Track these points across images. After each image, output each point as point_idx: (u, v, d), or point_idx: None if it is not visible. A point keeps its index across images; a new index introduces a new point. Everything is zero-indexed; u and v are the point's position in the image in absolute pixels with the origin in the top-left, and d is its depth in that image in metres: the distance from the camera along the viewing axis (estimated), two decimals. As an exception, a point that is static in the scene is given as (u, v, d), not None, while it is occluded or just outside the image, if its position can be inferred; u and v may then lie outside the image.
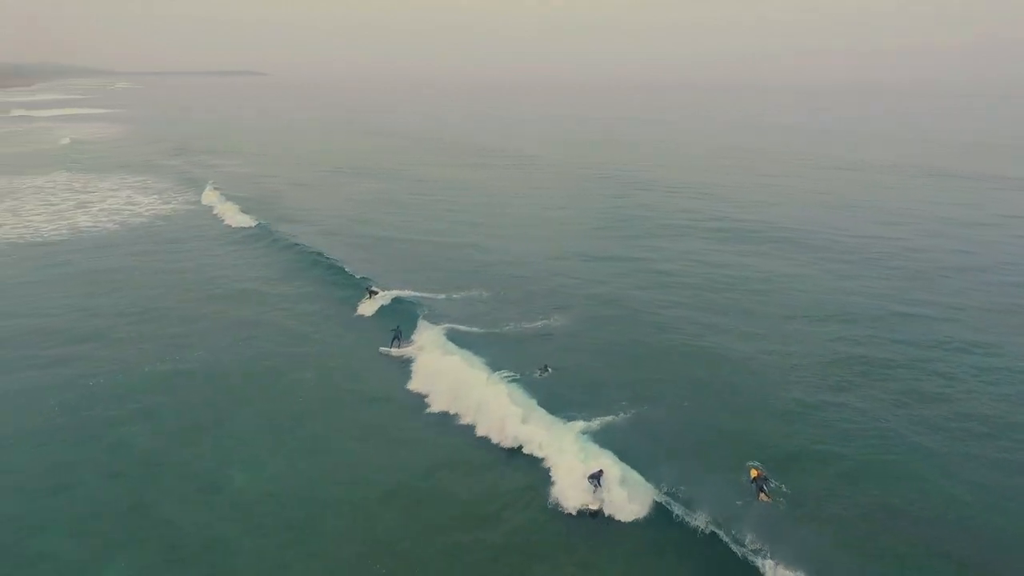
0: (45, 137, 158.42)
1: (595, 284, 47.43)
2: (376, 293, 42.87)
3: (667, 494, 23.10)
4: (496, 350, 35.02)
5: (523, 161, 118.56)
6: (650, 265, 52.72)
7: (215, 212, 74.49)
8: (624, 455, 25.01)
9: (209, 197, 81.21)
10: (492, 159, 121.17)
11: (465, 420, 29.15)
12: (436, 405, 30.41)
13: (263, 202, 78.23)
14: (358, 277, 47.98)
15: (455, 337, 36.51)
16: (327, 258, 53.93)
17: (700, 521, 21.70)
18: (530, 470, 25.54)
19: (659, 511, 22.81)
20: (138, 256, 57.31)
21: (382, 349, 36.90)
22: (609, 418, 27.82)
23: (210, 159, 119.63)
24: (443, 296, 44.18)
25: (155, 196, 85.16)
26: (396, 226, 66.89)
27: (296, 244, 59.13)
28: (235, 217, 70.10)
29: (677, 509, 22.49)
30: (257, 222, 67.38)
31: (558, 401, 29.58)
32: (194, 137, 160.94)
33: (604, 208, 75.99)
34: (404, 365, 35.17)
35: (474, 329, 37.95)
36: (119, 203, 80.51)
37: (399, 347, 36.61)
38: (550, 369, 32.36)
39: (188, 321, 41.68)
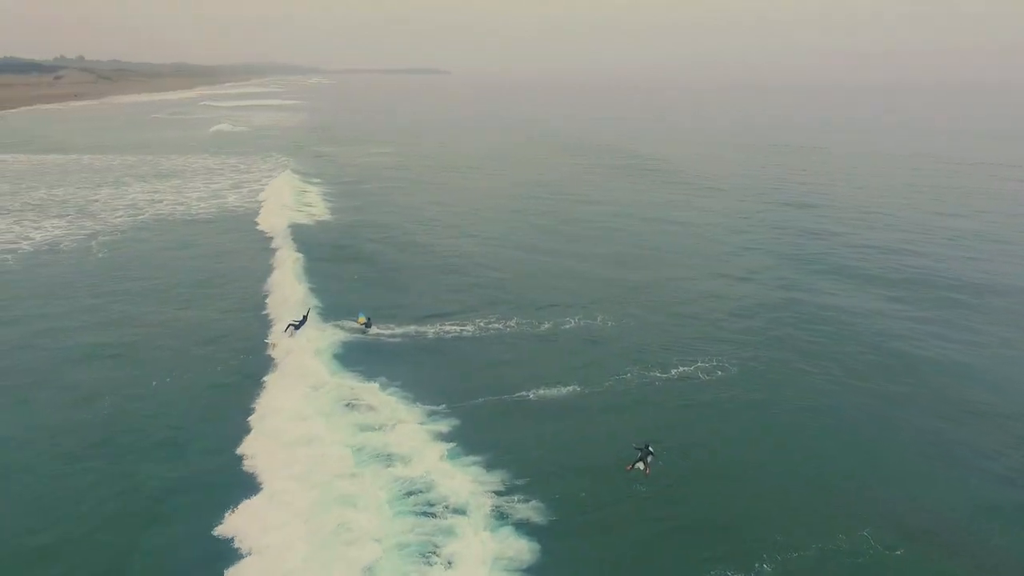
0: (224, 123, 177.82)
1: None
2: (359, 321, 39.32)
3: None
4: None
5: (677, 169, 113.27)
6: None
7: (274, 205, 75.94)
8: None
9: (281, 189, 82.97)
10: (641, 163, 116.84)
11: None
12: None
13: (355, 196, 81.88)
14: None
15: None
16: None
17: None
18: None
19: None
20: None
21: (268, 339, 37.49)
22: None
23: (349, 150, 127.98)
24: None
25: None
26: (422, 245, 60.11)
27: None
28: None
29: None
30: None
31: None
32: (349, 126, 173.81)
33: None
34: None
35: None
36: (261, 187, 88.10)
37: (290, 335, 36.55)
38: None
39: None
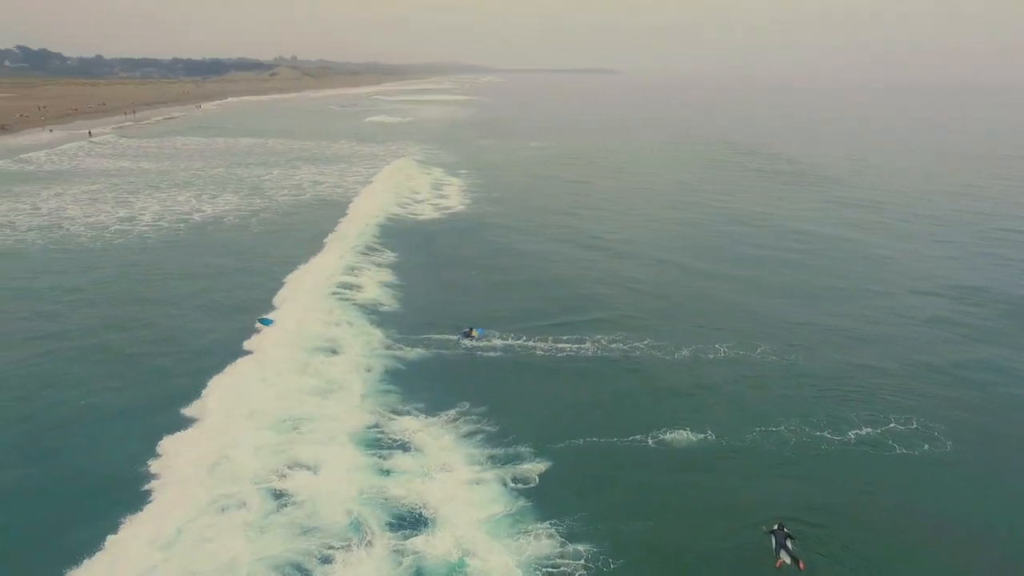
0: (382, 115, 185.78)
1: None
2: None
3: None
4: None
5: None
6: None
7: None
8: None
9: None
10: (820, 173, 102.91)
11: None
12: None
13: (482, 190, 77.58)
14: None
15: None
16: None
17: None
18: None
19: None
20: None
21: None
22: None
23: (508, 143, 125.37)
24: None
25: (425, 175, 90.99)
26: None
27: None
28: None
29: None
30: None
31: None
32: (510, 121, 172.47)
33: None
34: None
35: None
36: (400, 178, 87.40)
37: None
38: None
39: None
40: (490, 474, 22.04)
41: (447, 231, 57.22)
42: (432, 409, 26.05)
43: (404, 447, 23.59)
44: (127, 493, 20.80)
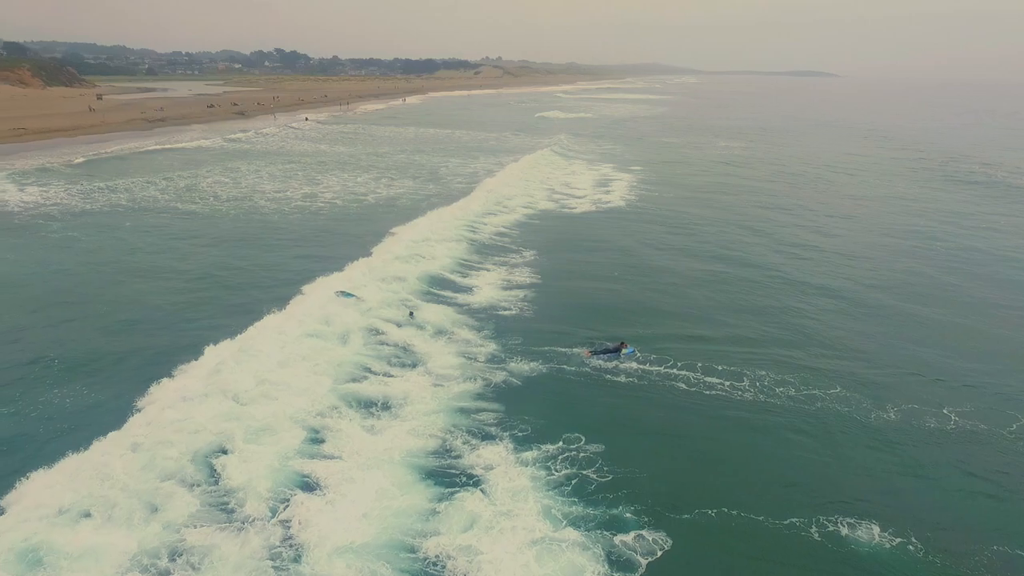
0: (555, 110, 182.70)
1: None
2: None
3: None
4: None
5: None
6: None
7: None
8: None
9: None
10: None
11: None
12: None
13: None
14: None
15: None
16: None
17: None
18: None
19: None
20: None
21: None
22: None
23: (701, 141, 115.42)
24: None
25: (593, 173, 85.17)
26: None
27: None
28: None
29: None
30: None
31: None
32: (700, 121, 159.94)
33: None
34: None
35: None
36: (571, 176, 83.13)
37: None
38: None
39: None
40: (575, 538, 16.54)
41: (599, 229, 51.43)
42: (527, 439, 21.04)
43: (470, 481, 18.76)
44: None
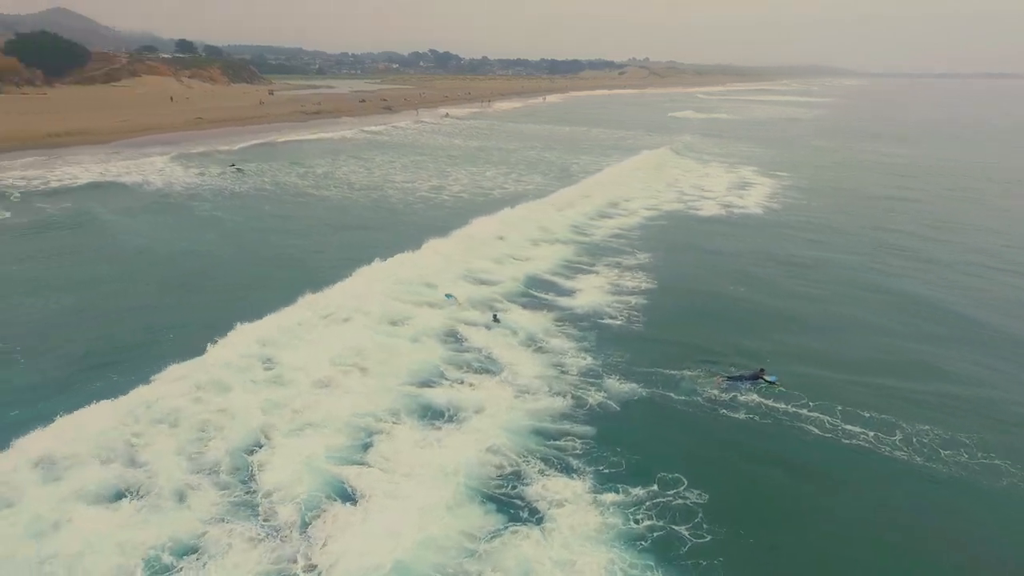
0: (688, 111, 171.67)
1: None
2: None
3: None
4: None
5: None
6: None
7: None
8: None
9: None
10: None
11: None
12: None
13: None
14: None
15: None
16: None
17: None
18: None
19: None
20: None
21: None
22: None
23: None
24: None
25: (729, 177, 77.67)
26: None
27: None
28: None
29: None
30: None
31: None
32: (859, 125, 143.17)
33: None
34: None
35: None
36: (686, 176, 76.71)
37: None
38: None
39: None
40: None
41: (729, 236, 45.91)
42: (612, 475, 17.67)
43: (531, 517, 15.82)
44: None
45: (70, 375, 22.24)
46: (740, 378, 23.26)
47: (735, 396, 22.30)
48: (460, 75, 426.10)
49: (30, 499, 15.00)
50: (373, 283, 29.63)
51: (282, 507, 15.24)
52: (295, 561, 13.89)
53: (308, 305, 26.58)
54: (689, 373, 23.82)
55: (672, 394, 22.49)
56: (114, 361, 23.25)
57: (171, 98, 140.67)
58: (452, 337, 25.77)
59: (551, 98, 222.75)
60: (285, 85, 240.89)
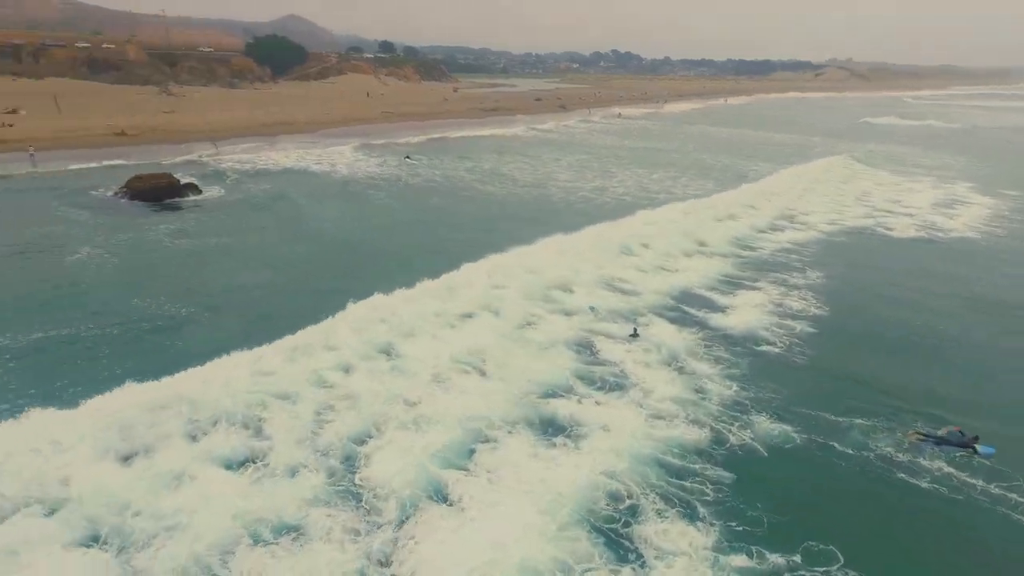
0: (890, 116, 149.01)
1: None
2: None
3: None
4: None
5: None
6: None
7: None
8: None
9: None
10: None
11: None
12: None
13: None
14: None
15: None
16: None
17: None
18: None
19: None
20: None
21: None
22: None
23: None
24: None
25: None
26: None
27: None
28: None
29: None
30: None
31: None
32: None
33: None
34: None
35: None
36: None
37: None
38: None
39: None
40: None
41: (929, 261, 39.18)
42: (745, 534, 15.11)
43: (637, 561, 14.10)
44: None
45: (239, 330, 24.19)
46: (942, 441, 18.87)
47: (917, 459, 18.34)
48: (639, 75, 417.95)
49: (172, 451, 16.40)
50: (510, 279, 29.02)
51: (383, 503, 15.04)
52: (385, 560, 13.54)
53: (440, 295, 26.72)
54: (861, 422, 20.08)
55: (836, 444, 19.05)
56: (257, 330, 24.41)
57: (367, 94, 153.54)
58: (585, 348, 24.25)
59: (734, 100, 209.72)
60: (470, 83, 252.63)
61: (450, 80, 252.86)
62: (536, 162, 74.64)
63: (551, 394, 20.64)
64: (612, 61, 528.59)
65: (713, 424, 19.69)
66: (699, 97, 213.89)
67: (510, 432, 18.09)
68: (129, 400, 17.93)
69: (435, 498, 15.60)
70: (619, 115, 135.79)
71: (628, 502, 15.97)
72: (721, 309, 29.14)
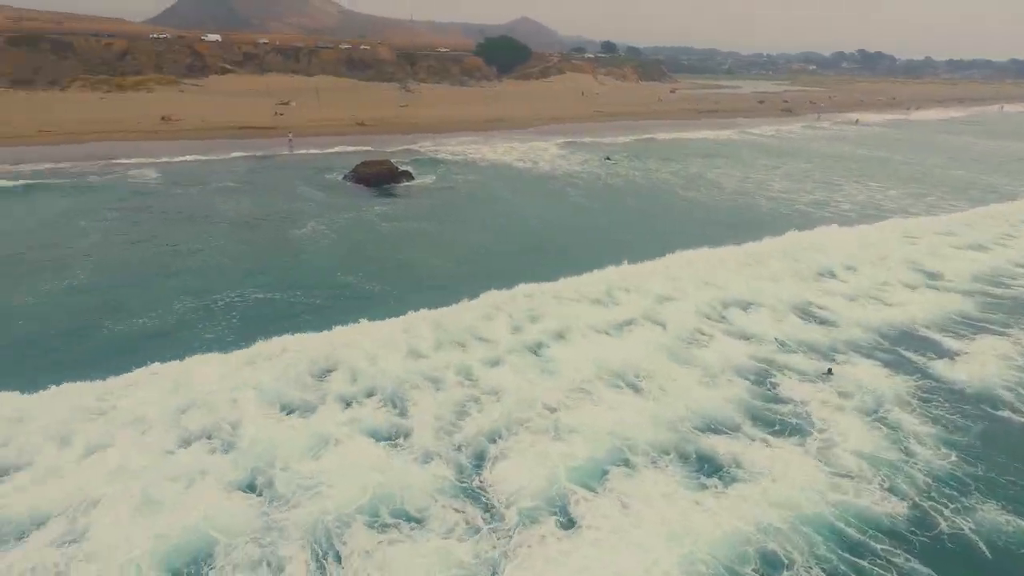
0: None
1: None
2: None
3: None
4: None
5: None
6: None
7: None
8: None
9: None
10: None
11: None
12: None
13: None
14: None
15: None
16: None
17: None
18: None
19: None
20: None
21: None
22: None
23: None
24: None
25: None
26: None
27: None
28: None
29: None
30: None
31: None
32: None
33: None
34: None
35: None
36: None
37: None
38: None
39: None
40: None
41: None
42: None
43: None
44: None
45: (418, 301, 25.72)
46: None
47: None
48: (889, 78, 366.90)
49: (327, 413, 17.71)
50: (683, 290, 26.78)
51: (505, 509, 14.48)
52: (493, 569, 12.97)
53: (601, 298, 25.55)
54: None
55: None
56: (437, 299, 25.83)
57: (582, 93, 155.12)
58: (762, 380, 21.23)
59: (1011, 107, 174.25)
60: (691, 84, 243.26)
61: (669, 80, 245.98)
62: (748, 169, 68.87)
63: (711, 428, 18.33)
64: (856, 62, 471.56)
65: (917, 499, 15.93)
66: (961, 103, 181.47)
67: (654, 461, 16.32)
68: (302, 355, 19.92)
69: (557, 513, 14.66)
70: (856, 121, 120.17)
71: (785, 572, 13.47)
72: (949, 355, 23.80)
